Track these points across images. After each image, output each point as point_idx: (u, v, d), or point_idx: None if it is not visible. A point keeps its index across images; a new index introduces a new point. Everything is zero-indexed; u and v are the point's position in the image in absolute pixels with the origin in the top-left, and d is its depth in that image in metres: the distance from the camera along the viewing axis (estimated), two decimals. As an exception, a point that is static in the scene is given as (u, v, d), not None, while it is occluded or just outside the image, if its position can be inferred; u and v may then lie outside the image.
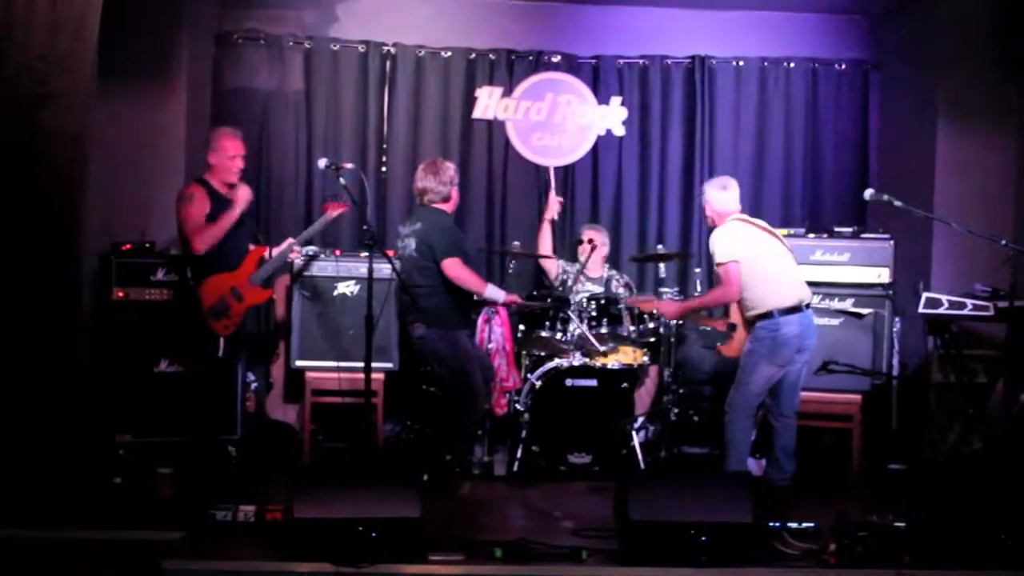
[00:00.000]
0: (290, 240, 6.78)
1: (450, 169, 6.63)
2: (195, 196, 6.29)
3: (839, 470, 7.00)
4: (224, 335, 6.36)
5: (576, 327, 7.08)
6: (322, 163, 6.23)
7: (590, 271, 7.70)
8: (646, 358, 7.38)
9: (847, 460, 7.06)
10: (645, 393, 7.64)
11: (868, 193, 6.29)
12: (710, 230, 6.48)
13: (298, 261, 7.12)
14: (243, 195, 6.40)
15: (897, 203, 6.22)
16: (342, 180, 6.16)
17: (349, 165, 6.30)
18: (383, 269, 6.82)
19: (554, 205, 7.78)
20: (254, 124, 7.88)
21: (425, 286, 6.47)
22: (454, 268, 6.39)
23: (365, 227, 6.14)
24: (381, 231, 8.04)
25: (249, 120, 7.80)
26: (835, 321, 7.10)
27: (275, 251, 6.67)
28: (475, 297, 6.63)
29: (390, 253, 6.77)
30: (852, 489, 6.83)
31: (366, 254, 6.70)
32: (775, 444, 6.40)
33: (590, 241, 7.65)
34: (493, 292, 6.55)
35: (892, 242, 7.28)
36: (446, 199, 6.63)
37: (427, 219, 6.56)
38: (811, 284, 6.56)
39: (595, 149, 8.37)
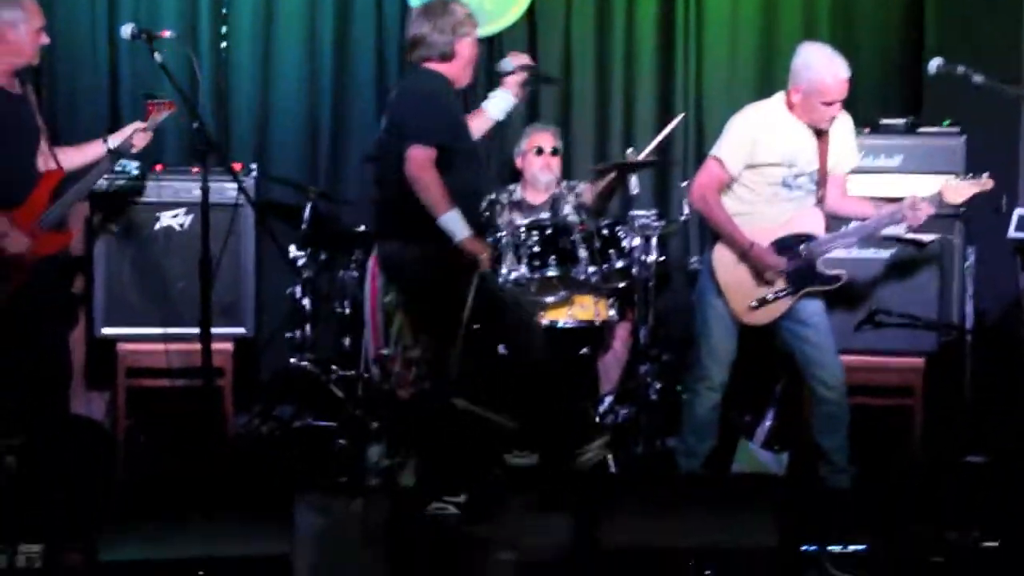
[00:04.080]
0: (99, 148, 6.44)
1: (457, 11, 6.18)
2: None
3: (896, 466, 6.95)
4: None
5: (511, 269, 6.91)
6: (127, 31, 6.04)
7: (530, 195, 7.64)
8: (613, 311, 7.23)
9: (906, 451, 7.01)
10: (613, 362, 7.52)
11: (934, 64, 6.19)
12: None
13: (101, 183, 6.91)
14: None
15: (978, 78, 6.11)
16: (157, 57, 5.97)
17: (168, 33, 6.10)
18: (226, 190, 6.72)
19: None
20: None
21: (393, 181, 6.14)
22: (417, 161, 5.92)
23: (196, 125, 5.93)
24: (222, 134, 7.98)
25: None
26: (884, 252, 7.03)
27: (78, 159, 6.42)
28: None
29: (236, 167, 6.68)
30: (916, 493, 6.62)
31: (200, 168, 6.42)
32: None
33: (540, 151, 7.57)
34: (454, 221, 5.98)
35: (964, 138, 7.19)
36: (445, 57, 6.16)
37: (407, 85, 6.29)
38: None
39: (531, 12, 8.37)
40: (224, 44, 8.08)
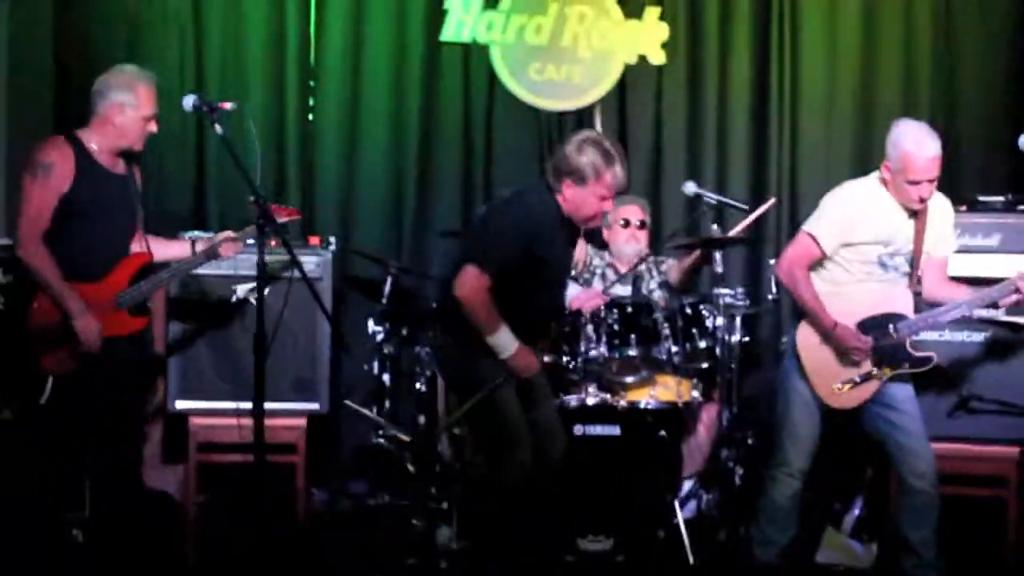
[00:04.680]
0: (183, 248, 6.37)
1: (587, 152, 5.87)
2: (54, 166, 5.99)
3: (987, 562, 6.71)
4: (55, 374, 6.01)
5: (590, 347, 6.78)
6: (189, 102, 5.97)
7: (618, 262, 7.57)
8: (696, 392, 7.05)
9: (999, 546, 6.75)
10: (697, 445, 7.33)
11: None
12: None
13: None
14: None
15: None
16: (218, 129, 5.93)
17: (229, 105, 6.00)
18: (303, 263, 6.55)
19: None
20: (118, 50, 7.82)
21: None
22: (469, 282, 5.83)
23: (252, 198, 5.84)
24: (307, 206, 8.05)
25: (111, 45, 7.82)
26: (978, 336, 6.81)
27: (161, 252, 6.33)
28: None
29: (314, 240, 6.77)
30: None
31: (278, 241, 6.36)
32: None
33: (626, 223, 7.45)
34: (501, 340, 5.93)
35: None
36: (551, 189, 6.01)
37: (511, 198, 6.14)
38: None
39: (622, 85, 8.39)
40: (311, 116, 8.17)
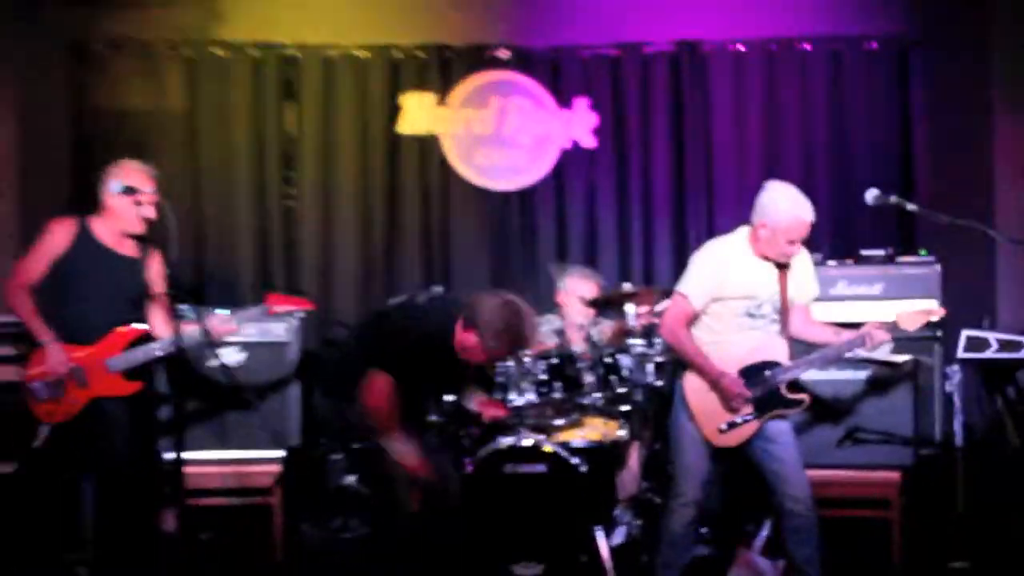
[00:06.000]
0: (190, 327, 6.45)
1: (502, 320, 6.07)
2: (50, 234, 6.37)
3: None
4: (46, 422, 6.35)
5: (519, 395, 7.06)
6: (115, 187, 6.31)
7: (570, 330, 7.73)
8: (623, 431, 7.22)
9: (886, 560, 6.99)
10: (628, 476, 7.38)
11: (871, 196, 6.26)
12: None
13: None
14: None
15: (910, 207, 6.26)
16: (142, 211, 6.31)
17: (148, 189, 6.31)
18: (272, 330, 7.40)
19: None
20: (127, 154, 7.42)
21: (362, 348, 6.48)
22: (377, 391, 6.11)
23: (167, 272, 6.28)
24: (291, 276, 8.62)
25: (122, 148, 7.77)
26: (861, 373, 7.09)
27: (159, 331, 6.55)
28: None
29: (270, 308, 6.74)
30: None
31: (257, 309, 6.67)
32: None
33: (583, 299, 7.63)
34: (399, 447, 6.23)
35: (939, 267, 7.35)
36: (458, 314, 6.21)
37: (415, 313, 6.53)
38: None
39: (558, 167, 8.73)
40: (291, 201, 8.73)
